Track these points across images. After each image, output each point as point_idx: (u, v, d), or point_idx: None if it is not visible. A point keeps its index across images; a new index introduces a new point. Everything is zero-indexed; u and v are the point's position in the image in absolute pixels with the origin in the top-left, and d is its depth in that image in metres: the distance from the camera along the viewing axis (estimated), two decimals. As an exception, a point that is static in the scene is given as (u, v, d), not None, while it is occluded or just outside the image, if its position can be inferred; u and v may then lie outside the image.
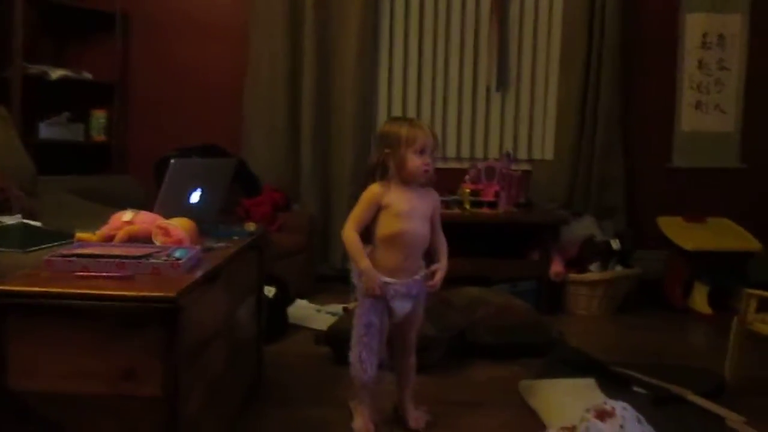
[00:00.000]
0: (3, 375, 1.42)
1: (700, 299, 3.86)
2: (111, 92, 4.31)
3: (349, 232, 2.08)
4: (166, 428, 1.43)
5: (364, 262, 2.07)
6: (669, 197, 4.46)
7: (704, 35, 4.43)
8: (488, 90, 4.45)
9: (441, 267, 2.18)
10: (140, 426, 1.43)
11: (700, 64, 4.45)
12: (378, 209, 2.09)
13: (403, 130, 2.07)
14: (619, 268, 3.85)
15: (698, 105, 4.47)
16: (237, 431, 2.13)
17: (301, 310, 3.52)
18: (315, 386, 2.59)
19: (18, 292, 1.42)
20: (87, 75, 4.24)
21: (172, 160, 2.02)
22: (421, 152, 2.06)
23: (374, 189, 2.09)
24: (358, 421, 2.18)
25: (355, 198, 2.18)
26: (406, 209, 2.08)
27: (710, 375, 2.67)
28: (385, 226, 2.10)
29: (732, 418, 2.31)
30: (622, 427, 1.83)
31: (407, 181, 2.09)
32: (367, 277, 2.07)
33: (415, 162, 2.06)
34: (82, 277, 1.52)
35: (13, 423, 1.43)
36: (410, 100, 4.44)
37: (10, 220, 2.29)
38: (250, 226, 2.37)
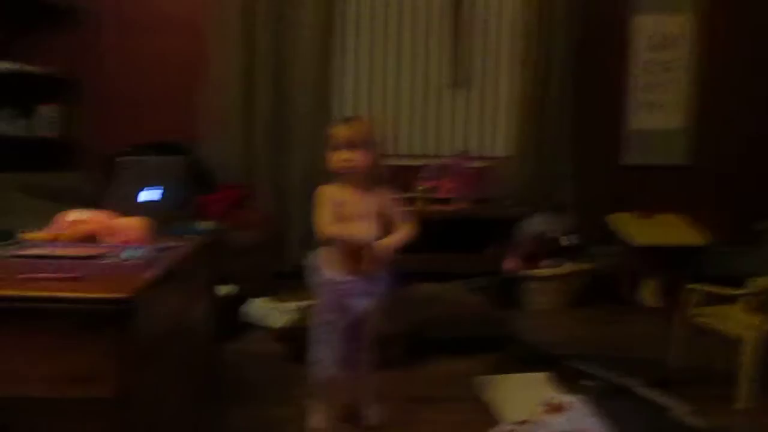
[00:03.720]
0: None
1: (649, 292, 3.97)
2: (61, 86, 4.18)
3: (325, 228, 2.07)
4: (121, 430, 1.40)
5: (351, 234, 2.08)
6: (620, 194, 4.57)
7: (650, 37, 4.55)
8: (443, 87, 4.49)
9: (393, 237, 2.14)
10: (94, 428, 1.40)
11: (648, 65, 4.57)
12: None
13: (331, 130, 2.11)
14: (569, 264, 3.93)
15: (646, 104, 4.60)
16: (194, 430, 2.11)
17: (258, 308, 3.49)
18: (272, 384, 2.58)
19: (-39, 294, 1.38)
20: (34, 68, 4.11)
21: (120, 159, 1.98)
22: (336, 148, 2.10)
23: (321, 189, 2.12)
24: (314, 418, 2.18)
25: (311, 196, 2.18)
26: (348, 212, 2.10)
27: (657, 366, 2.76)
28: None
29: (678, 408, 2.39)
30: (572, 420, 1.88)
31: (344, 178, 2.11)
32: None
33: (330, 158, 2.10)
34: (29, 278, 1.48)
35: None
36: (364, 97, 4.44)
37: (-49, 219, 2.21)
38: (205, 224, 2.35)
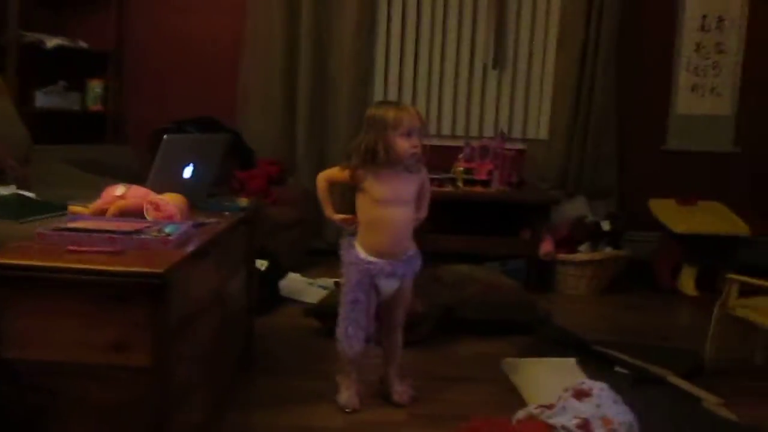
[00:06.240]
0: (-3, 344, 1.46)
1: (687, 281, 3.91)
2: (107, 61, 4.30)
3: (321, 181, 2.22)
4: (155, 397, 1.48)
5: (328, 209, 2.23)
6: (662, 179, 4.49)
7: (703, 17, 4.41)
8: (485, 68, 4.45)
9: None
10: (130, 395, 1.48)
11: (698, 47, 4.44)
12: (355, 188, 2.16)
13: (390, 114, 2.10)
14: (608, 250, 3.89)
15: (694, 88, 4.48)
16: (226, 401, 2.19)
17: (294, 283, 3.56)
18: (304, 359, 2.64)
19: (10, 264, 1.46)
20: (83, 44, 4.23)
21: (165, 136, 2.04)
22: (408, 134, 2.09)
23: (344, 175, 2.17)
24: (344, 394, 2.23)
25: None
26: (385, 196, 2.12)
27: (691, 356, 2.73)
28: (364, 212, 2.16)
29: (709, 399, 2.37)
30: (598, 406, 1.88)
31: (395, 163, 2.12)
32: (334, 221, 2.24)
33: (402, 144, 2.09)
34: (73, 251, 1.55)
35: (7, 391, 1.48)
36: (406, 76, 4.44)
37: (4, 190, 2.32)
38: (242, 201, 2.40)
